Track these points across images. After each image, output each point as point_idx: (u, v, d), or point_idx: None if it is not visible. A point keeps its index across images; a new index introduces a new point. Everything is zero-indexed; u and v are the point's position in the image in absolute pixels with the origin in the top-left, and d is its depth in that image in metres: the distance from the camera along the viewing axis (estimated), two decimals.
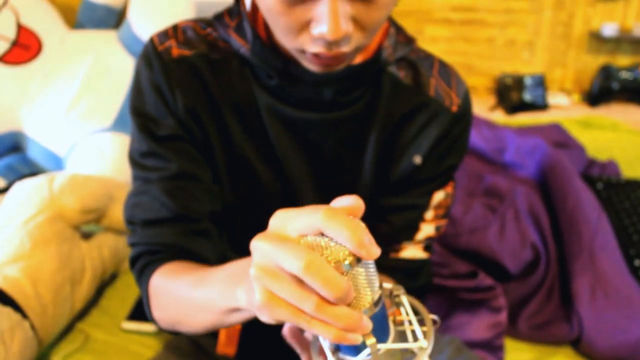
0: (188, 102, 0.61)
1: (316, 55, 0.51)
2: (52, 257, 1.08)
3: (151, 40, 0.63)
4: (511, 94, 2.36)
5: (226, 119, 0.63)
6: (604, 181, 1.52)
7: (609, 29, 2.46)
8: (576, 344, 1.08)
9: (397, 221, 0.67)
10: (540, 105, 2.35)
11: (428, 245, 0.70)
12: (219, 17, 0.64)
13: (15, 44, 1.60)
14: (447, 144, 0.65)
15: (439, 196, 0.68)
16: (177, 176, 0.61)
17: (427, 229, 0.68)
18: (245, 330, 0.74)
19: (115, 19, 1.78)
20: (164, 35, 0.63)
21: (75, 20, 1.78)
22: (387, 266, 0.67)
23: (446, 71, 0.66)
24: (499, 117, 2.23)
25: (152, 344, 1.05)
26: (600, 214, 1.30)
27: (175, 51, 0.61)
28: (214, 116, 0.63)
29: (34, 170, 1.58)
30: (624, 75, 2.38)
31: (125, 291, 1.20)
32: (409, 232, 0.68)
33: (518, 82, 2.39)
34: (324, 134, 0.63)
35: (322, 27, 0.47)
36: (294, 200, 0.66)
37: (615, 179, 1.54)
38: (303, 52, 0.52)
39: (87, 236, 1.25)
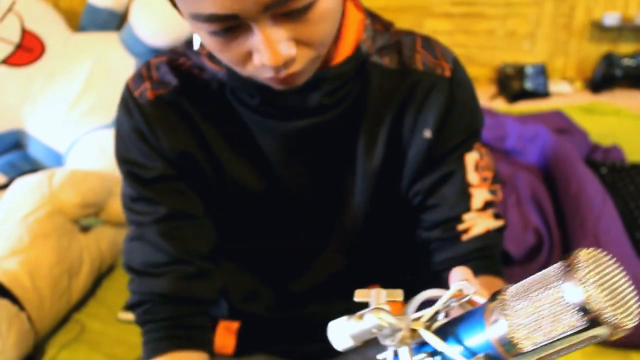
0: (172, 141, 0.61)
1: (272, 78, 0.51)
2: (51, 250, 1.09)
3: (127, 86, 0.63)
4: (512, 83, 2.34)
5: (215, 149, 0.62)
6: (608, 166, 1.50)
7: (611, 19, 2.44)
8: None
9: (444, 194, 0.63)
10: (541, 93, 2.32)
11: (496, 213, 0.65)
12: (189, 46, 0.63)
13: (19, 47, 1.62)
14: (457, 110, 0.63)
15: (472, 157, 0.64)
16: (168, 217, 0.61)
17: (480, 194, 0.63)
18: (243, 329, 0.73)
19: (117, 22, 1.80)
20: (138, 78, 0.63)
21: (79, 23, 1.81)
22: (464, 252, 0.63)
23: (429, 44, 0.64)
24: (500, 105, 2.21)
25: None
26: (605, 199, 1.28)
27: (150, 93, 0.61)
28: (203, 149, 0.62)
29: (34, 167, 1.59)
30: (627, 62, 2.36)
31: (122, 282, 1.20)
32: (461, 201, 0.63)
33: (519, 72, 2.37)
34: (317, 139, 0.62)
35: (262, 57, 0.47)
36: (298, 215, 0.65)
37: (620, 163, 1.52)
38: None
39: (85, 229, 1.25)
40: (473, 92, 0.65)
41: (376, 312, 0.32)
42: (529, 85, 2.30)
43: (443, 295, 0.34)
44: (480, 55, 2.58)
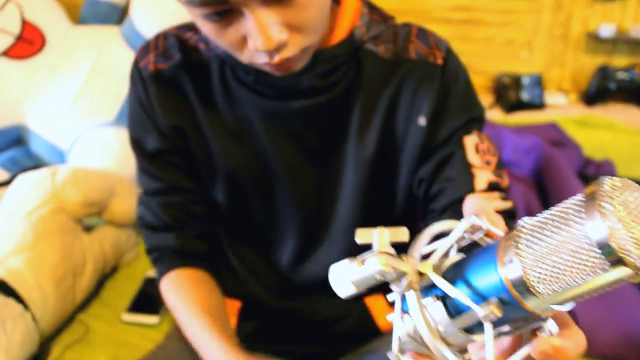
0: (167, 115, 0.65)
1: (268, 64, 0.53)
2: (54, 249, 1.09)
3: (135, 58, 0.67)
4: (509, 93, 2.37)
5: (207, 127, 0.65)
6: None
7: (607, 30, 2.48)
8: None
9: (447, 176, 0.63)
10: (537, 105, 2.36)
11: (503, 197, 0.63)
12: None
13: (19, 38, 1.61)
14: (451, 97, 0.63)
15: (471, 139, 0.63)
16: (166, 191, 0.68)
17: (483, 174, 0.62)
18: (241, 328, 0.75)
19: (118, 15, 1.79)
20: (145, 49, 0.66)
21: (79, 16, 1.80)
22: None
23: (424, 34, 0.66)
24: (497, 115, 2.25)
25: (151, 336, 1.06)
26: None
27: (153, 66, 0.65)
28: (195, 126, 0.66)
29: (36, 164, 1.59)
30: (621, 75, 2.40)
31: (125, 283, 1.21)
32: (465, 181, 0.61)
33: (516, 82, 2.41)
34: (307, 122, 0.63)
35: (255, 41, 0.49)
36: (291, 201, 0.67)
37: None
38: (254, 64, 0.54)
39: (88, 229, 1.26)
40: (467, 80, 0.66)
41: (379, 256, 0.29)
42: (525, 95, 2.33)
43: (453, 231, 0.30)
44: (478, 63, 2.61)
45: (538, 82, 2.42)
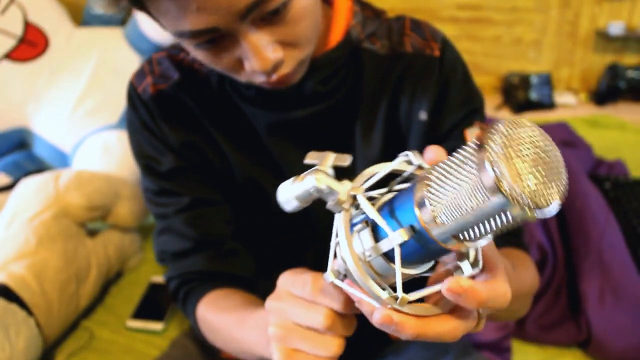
0: (176, 133, 0.63)
1: (266, 82, 0.52)
2: (58, 254, 1.08)
3: (131, 83, 0.65)
4: (517, 92, 2.35)
5: (218, 139, 0.64)
6: (612, 181, 1.51)
7: (616, 28, 2.45)
8: (584, 345, 1.07)
9: None
10: (546, 104, 2.34)
11: None
12: None
13: (22, 40, 1.60)
14: (450, 89, 0.63)
15: (472, 132, 0.63)
16: (191, 206, 0.64)
17: None
18: None
19: (122, 17, 1.78)
20: (141, 74, 0.65)
21: (82, 17, 1.79)
22: None
23: (418, 26, 0.64)
24: (506, 116, 2.22)
25: (156, 343, 1.04)
26: (608, 214, 1.29)
27: (152, 88, 0.63)
28: (207, 140, 0.64)
29: (39, 167, 1.58)
30: (631, 74, 2.37)
31: (130, 289, 1.20)
32: None
33: (524, 81, 2.38)
34: (313, 128, 0.62)
35: (251, 64, 0.48)
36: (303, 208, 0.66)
37: (623, 179, 1.53)
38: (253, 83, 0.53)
39: (92, 234, 1.24)
40: (466, 70, 0.65)
41: (315, 172, 0.33)
42: (534, 95, 2.31)
43: (390, 164, 0.35)
44: (486, 62, 2.59)
45: (547, 82, 2.39)
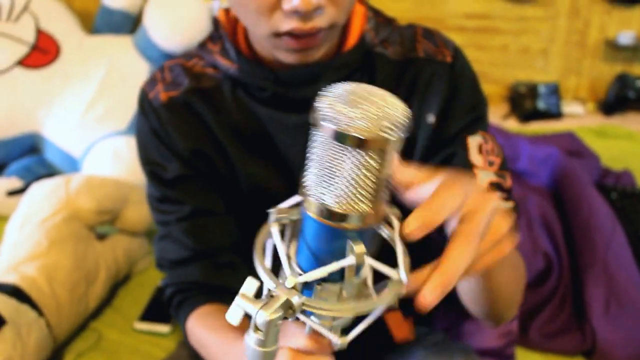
0: (185, 141, 0.64)
1: (292, 36, 0.52)
2: (68, 256, 1.10)
3: (142, 90, 0.66)
4: (525, 102, 2.35)
5: (228, 147, 0.64)
6: (619, 191, 1.51)
7: (626, 38, 2.44)
8: (589, 354, 1.07)
9: None
10: (554, 114, 2.33)
11: (504, 197, 0.63)
12: (202, 45, 0.66)
13: (34, 48, 1.64)
14: (459, 94, 0.64)
15: (475, 139, 0.63)
16: (192, 215, 0.65)
17: (485, 175, 0.62)
18: None
19: (131, 24, 1.82)
20: (152, 81, 0.66)
21: (93, 25, 1.82)
22: None
23: (430, 33, 0.66)
24: (512, 125, 2.22)
25: (164, 344, 1.06)
26: (615, 224, 1.29)
27: (163, 95, 0.64)
28: (215, 147, 0.65)
29: (50, 172, 1.60)
30: None
31: (138, 291, 1.22)
32: None
33: (532, 91, 2.38)
34: None
35: (292, 1, 0.48)
36: None
37: (630, 189, 1.52)
38: (279, 35, 0.53)
39: (101, 237, 1.27)
40: (474, 78, 0.66)
41: (259, 312, 0.35)
42: (541, 104, 2.30)
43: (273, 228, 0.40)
44: (493, 72, 2.59)
45: (555, 91, 2.38)
